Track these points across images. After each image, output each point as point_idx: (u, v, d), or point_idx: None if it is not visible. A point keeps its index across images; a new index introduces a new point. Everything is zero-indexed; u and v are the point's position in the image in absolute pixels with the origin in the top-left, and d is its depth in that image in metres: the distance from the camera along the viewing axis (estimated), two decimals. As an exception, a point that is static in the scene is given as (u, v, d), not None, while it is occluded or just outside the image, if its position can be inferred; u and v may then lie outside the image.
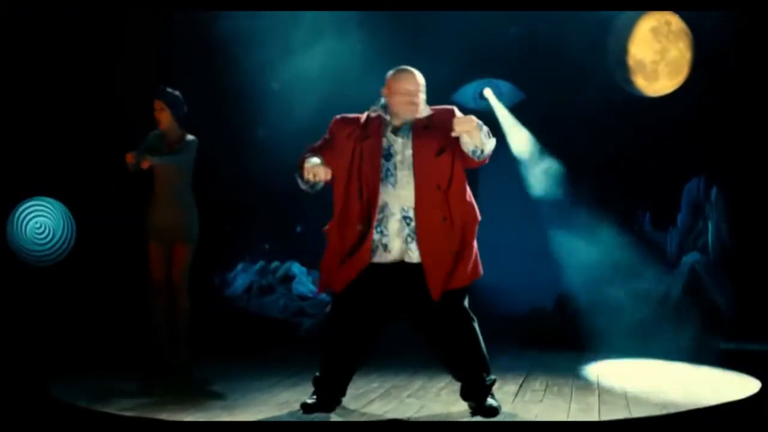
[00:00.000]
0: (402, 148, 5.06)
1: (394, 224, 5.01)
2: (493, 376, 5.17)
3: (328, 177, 4.95)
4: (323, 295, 11.01)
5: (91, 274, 9.26)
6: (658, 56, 10.17)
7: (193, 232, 6.82)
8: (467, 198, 5.12)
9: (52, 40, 9.12)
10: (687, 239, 10.36)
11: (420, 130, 5.08)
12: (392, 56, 9.88)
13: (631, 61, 10.21)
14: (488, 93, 10.95)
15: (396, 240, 5.00)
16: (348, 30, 10.01)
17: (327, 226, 5.14)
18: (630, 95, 10.21)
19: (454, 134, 4.89)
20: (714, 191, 10.09)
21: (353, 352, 5.11)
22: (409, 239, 4.99)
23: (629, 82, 10.21)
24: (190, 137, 6.83)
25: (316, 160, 4.94)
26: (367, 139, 5.08)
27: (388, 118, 5.12)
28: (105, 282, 9.24)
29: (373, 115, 5.17)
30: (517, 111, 10.85)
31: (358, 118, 5.19)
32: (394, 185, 5.01)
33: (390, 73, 5.15)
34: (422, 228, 4.98)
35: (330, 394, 5.11)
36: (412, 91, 5.07)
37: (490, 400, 5.10)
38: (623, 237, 11.03)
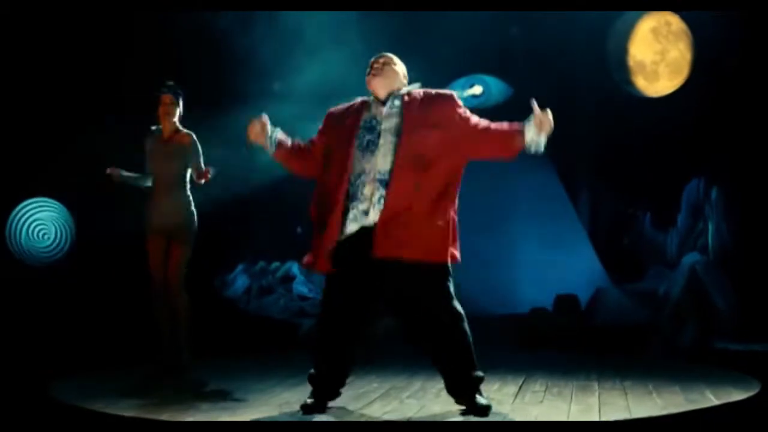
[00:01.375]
0: (388, 117, 5.04)
1: (368, 188, 4.92)
2: (480, 373, 5.08)
3: (264, 142, 5.11)
4: (322, 296, 11.03)
5: (91, 274, 9.26)
6: (658, 57, 10.18)
7: (191, 232, 6.82)
8: (451, 187, 5.01)
9: (52, 40, 9.12)
10: (687, 240, 10.37)
11: (413, 103, 5.07)
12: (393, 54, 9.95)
13: (632, 61, 10.22)
14: (477, 90, 10.89)
15: (370, 203, 4.93)
16: (348, 30, 10.02)
17: (312, 207, 5.17)
18: (630, 96, 10.21)
19: (539, 133, 5.10)
20: (714, 192, 10.10)
21: (343, 338, 5.07)
22: (379, 201, 4.89)
23: (629, 83, 10.22)
24: (187, 131, 6.84)
25: (261, 122, 5.17)
26: (349, 117, 5.14)
27: (371, 98, 5.18)
28: (105, 282, 9.24)
29: (360, 99, 5.25)
30: (515, 111, 10.83)
31: (347, 105, 5.27)
32: (373, 152, 4.95)
33: None
34: (391, 189, 4.88)
35: (327, 388, 5.11)
36: (377, 65, 5.15)
37: (479, 398, 5.05)
38: (624, 237, 11.06)
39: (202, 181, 6.78)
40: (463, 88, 10.95)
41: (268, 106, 10.16)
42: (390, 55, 5.27)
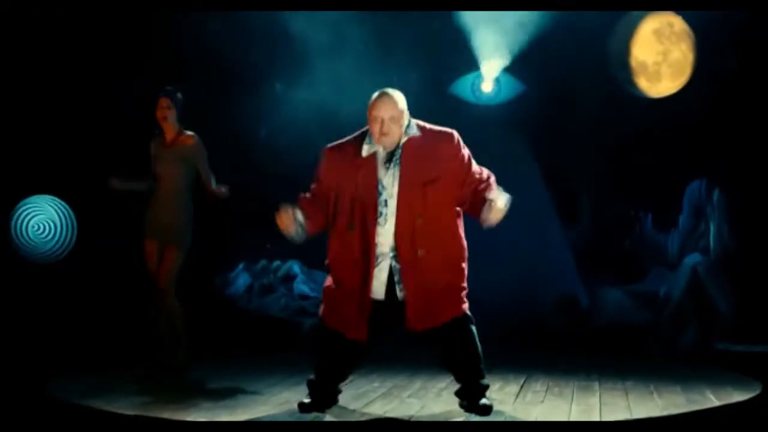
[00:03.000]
0: (391, 181, 4.90)
1: (386, 264, 4.91)
2: (486, 381, 5.08)
3: (294, 231, 4.90)
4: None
5: (90, 274, 9.26)
6: (660, 58, 10.16)
7: (186, 237, 6.81)
8: (455, 231, 5.00)
9: (53, 40, 9.12)
10: (688, 241, 10.36)
11: (409, 157, 4.90)
12: (393, 54, 9.97)
13: (634, 62, 10.20)
14: (487, 87, 10.85)
15: (385, 281, 4.93)
16: (349, 29, 10.01)
17: (327, 260, 5.09)
18: (632, 97, 10.20)
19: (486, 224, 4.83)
20: (716, 193, 10.09)
21: (346, 362, 5.11)
22: (397, 277, 4.91)
23: (631, 84, 10.20)
24: (189, 133, 6.83)
25: (291, 212, 4.90)
26: (360, 170, 4.93)
27: (376, 146, 4.94)
28: (105, 281, 9.24)
29: (360, 137, 5.00)
30: (518, 112, 10.84)
31: (347, 147, 5.02)
32: (383, 224, 4.89)
33: (372, 96, 4.98)
34: (403, 264, 4.88)
35: (325, 395, 5.11)
36: (385, 120, 4.84)
37: (483, 399, 5.05)
38: (625, 238, 11.05)
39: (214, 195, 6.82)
40: (473, 83, 10.92)
41: (270, 106, 10.23)
42: (396, 100, 4.92)
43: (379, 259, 4.91)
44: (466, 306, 5.02)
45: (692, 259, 9.87)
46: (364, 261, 4.88)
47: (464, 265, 5.03)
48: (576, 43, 9.96)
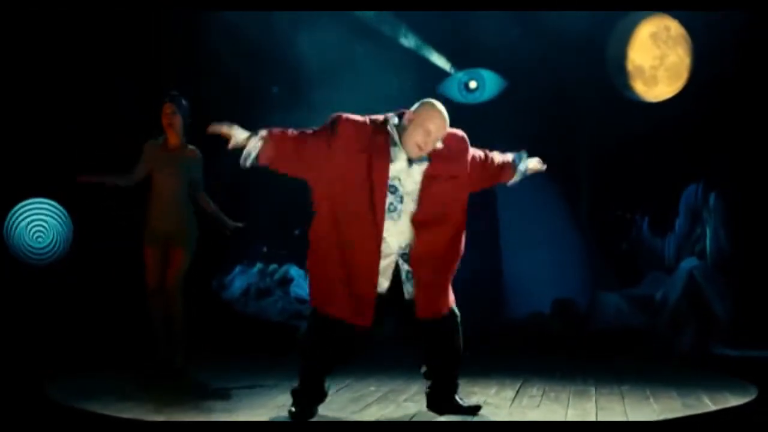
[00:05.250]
0: (411, 178, 4.87)
1: (391, 262, 4.88)
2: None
3: (238, 141, 4.77)
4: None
5: (89, 275, 9.25)
6: (657, 61, 10.18)
7: (192, 239, 6.80)
8: (461, 230, 5.02)
9: (53, 40, 9.13)
10: (685, 245, 10.37)
11: (434, 161, 4.89)
12: (391, 55, 9.99)
13: (631, 66, 10.23)
14: (474, 85, 10.90)
15: (390, 277, 4.90)
16: (347, 29, 10.03)
17: (315, 235, 4.92)
18: (629, 100, 10.21)
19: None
20: (712, 197, 10.10)
21: (334, 364, 5.10)
22: (407, 277, 4.91)
23: (628, 88, 10.22)
24: (191, 147, 6.81)
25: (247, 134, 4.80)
26: (378, 161, 4.82)
27: (398, 142, 4.86)
28: (103, 283, 9.24)
29: (381, 127, 4.89)
30: (515, 116, 10.85)
31: (367, 129, 4.88)
32: (396, 219, 4.86)
33: (424, 102, 4.90)
34: (415, 258, 4.88)
35: (311, 402, 5.07)
36: (431, 137, 4.80)
37: (461, 399, 5.16)
38: (622, 242, 11.05)
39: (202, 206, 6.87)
40: (460, 82, 10.95)
41: (266, 109, 10.24)
42: (447, 121, 4.88)
43: (386, 253, 4.85)
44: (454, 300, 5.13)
45: (689, 262, 9.89)
46: (369, 252, 4.81)
47: (459, 262, 5.09)
48: (573, 45, 9.98)
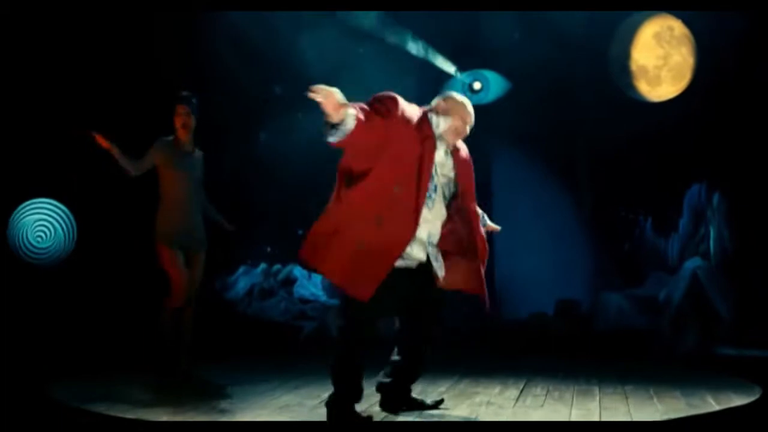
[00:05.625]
0: (445, 169, 5.04)
1: (421, 246, 4.94)
2: None
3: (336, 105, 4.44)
4: (324, 299, 11.01)
5: (90, 277, 9.26)
6: (660, 61, 10.18)
7: (206, 241, 6.80)
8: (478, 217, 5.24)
9: (54, 40, 9.14)
10: (689, 245, 10.36)
11: (460, 151, 5.12)
12: (391, 56, 10.00)
13: (634, 66, 10.22)
14: (477, 86, 10.92)
15: (422, 254, 4.98)
16: (346, 30, 10.04)
17: (349, 207, 4.80)
18: (632, 100, 10.21)
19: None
20: (716, 197, 10.09)
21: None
22: (437, 259, 5.02)
23: (632, 88, 10.21)
24: (198, 152, 6.81)
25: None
26: (426, 142, 4.90)
27: (439, 132, 5.00)
28: (104, 284, 9.24)
29: (424, 116, 4.99)
30: (518, 117, 10.85)
31: (415, 109, 4.99)
32: (430, 207, 4.94)
33: (450, 94, 5.10)
34: (441, 241, 5.04)
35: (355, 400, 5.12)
36: (468, 123, 5.05)
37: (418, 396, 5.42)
38: (625, 242, 11.04)
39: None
40: (464, 83, 10.96)
41: (270, 109, 10.24)
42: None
43: (418, 239, 4.91)
44: None
45: (692, 263, 9.88)
46: (400, 235, 4.82)
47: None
48: (575, 45, 9.98)
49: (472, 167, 5.20)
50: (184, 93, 6.72)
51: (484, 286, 5.11)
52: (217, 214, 6.96)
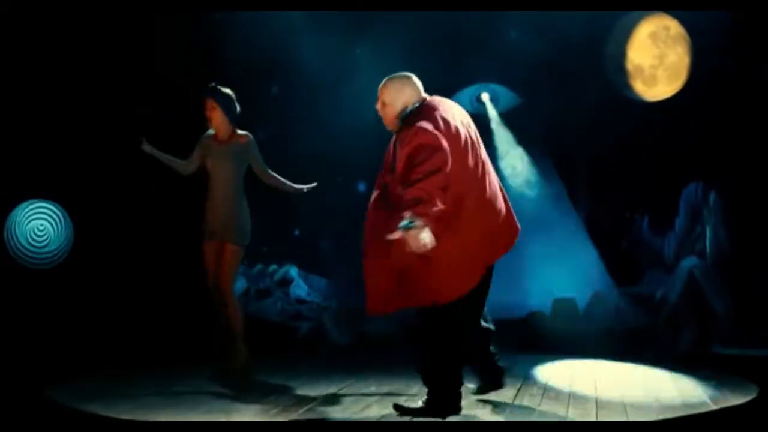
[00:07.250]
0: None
1: None
2: None
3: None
4: (320, 299, 11.01)
5: (90, 276, 9.26)
6: (656, 61, 10.18)
7: (242, 233, 6.76)
8: None
9: (55, 40, 9.13)
10: (685, 243, 10.37)
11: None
12: (391, 58, 9.98)
13: (630, 65, 10.23)
14: (485, 97, 10.98)
15: None
16: (346, 31, 10.03)
17: (435, 222, 4.80)
18: (628, 100, 10.22)
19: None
20: (712, 196, 10.10)
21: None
22: None
23: (628, 87, 10.22)
24: (243, 132, 6.81)
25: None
26: (474, 141, 5.34)
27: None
28: (104, 285, 9.24)
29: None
30: (515, 116, 10.86)
31: (457, 112, 5.27)
32: None
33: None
34: None
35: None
36: (378, 105, 5.21)
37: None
38: (622, 240, 11.05)
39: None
40: (472, 96, 11.01)
41: (267, 109, 10.23)
42: (383, 88, 5.22)
43: None
44: None
45: (689, 261, 9.88)
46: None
47: None
48: (573, 44, 9.98)
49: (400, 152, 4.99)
50: (210, 85, 6.75)
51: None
52: (285, 183, 6.91)
